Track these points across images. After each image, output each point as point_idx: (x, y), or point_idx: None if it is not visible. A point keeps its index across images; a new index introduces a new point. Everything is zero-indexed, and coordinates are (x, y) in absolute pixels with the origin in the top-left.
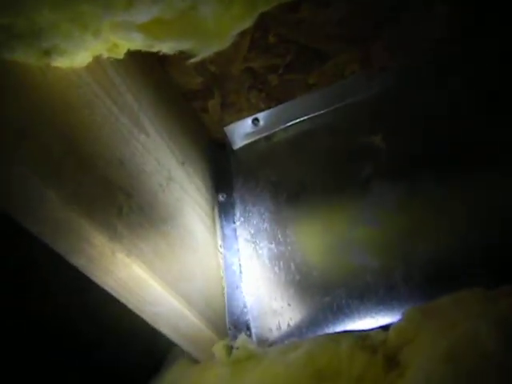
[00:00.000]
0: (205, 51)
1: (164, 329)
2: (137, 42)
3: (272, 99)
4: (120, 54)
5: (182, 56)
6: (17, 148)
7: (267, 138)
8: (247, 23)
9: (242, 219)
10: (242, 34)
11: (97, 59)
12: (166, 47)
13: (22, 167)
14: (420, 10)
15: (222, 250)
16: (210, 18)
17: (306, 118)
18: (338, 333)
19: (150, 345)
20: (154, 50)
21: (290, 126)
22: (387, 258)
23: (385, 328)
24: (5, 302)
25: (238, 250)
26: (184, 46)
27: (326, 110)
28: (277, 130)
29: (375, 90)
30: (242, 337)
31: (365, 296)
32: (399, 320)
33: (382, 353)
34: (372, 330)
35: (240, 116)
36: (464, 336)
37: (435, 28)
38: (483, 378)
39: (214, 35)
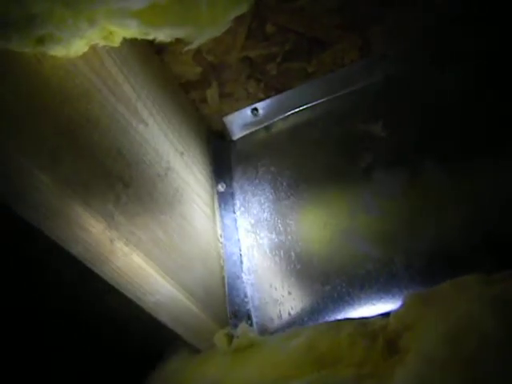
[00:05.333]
0: (200, 38)
1: (164, 318)
2: (132, 30)
3: (271, 89)
4: (116, 42)
5: (180, 45)
6: (13, 136)
7: (266, 127)
8: (242, 9)
9: (242, 209)
10: (239, 22)
11: (94, 49)
12: (161, 34)
13: (19, 154)
14: None
15: (222, 239)
16: (204, 3)
17: (305, 107)
18: (339, 320)
19: (152, 334)
20: (150, 37)
21: (290, 115)
22: (388, 246)
23: (385, 315)
24: (7, 294)
25: (239, 239)
26: (179, 32)
27: (325, 99)
28: (276, 119)
29: (375, 78)
30: (243, 325)
31: (366, 284)
32: (399, 306)
33: (382, 339)
34: (373, 317)
35: (239, 106)
36: (463, 318)
37: (435, 14)
38: (482, 359)
39: (208, 21)
